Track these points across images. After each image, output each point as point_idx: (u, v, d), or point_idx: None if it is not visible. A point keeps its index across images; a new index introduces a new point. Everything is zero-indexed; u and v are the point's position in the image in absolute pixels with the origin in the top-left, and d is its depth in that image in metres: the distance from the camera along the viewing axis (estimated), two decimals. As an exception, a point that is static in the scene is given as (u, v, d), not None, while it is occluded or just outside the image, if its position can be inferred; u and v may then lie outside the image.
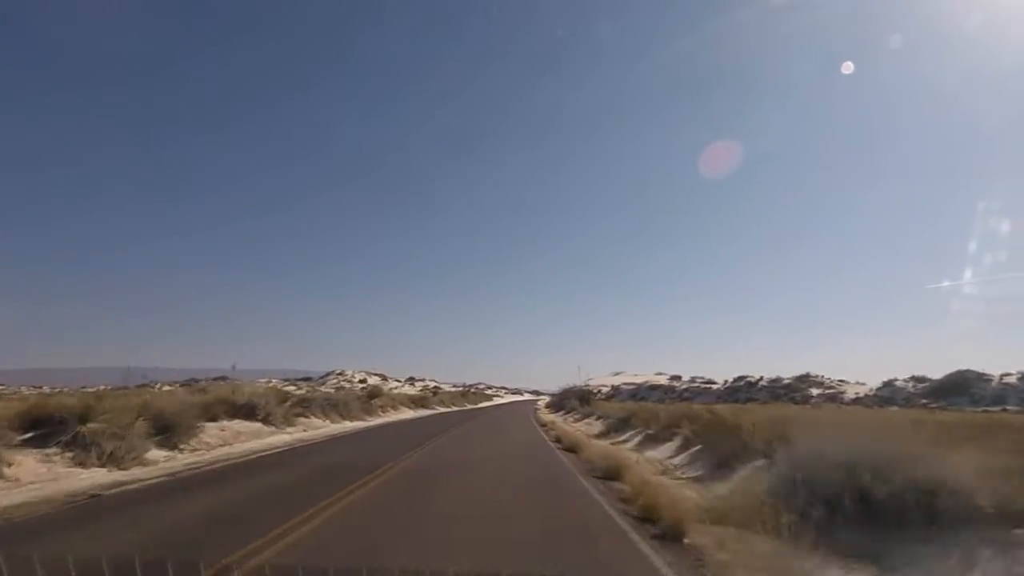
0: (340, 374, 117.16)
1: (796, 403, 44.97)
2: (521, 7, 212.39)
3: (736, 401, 47.79)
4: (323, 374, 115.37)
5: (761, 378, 51.38)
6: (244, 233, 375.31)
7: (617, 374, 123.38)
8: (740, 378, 53.60)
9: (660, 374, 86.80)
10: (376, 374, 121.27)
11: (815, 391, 47.92)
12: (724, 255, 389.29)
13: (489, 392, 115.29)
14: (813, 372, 50.92)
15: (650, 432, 15.64)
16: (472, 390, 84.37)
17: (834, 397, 45.05)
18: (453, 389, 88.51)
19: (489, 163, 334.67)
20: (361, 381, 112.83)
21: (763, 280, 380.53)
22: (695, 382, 57.45)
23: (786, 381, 50.23)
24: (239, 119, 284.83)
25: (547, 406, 56.31)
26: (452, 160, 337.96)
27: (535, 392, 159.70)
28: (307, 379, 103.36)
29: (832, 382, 49.43)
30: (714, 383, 57.24)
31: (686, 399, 51.16)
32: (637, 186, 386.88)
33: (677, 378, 73.34)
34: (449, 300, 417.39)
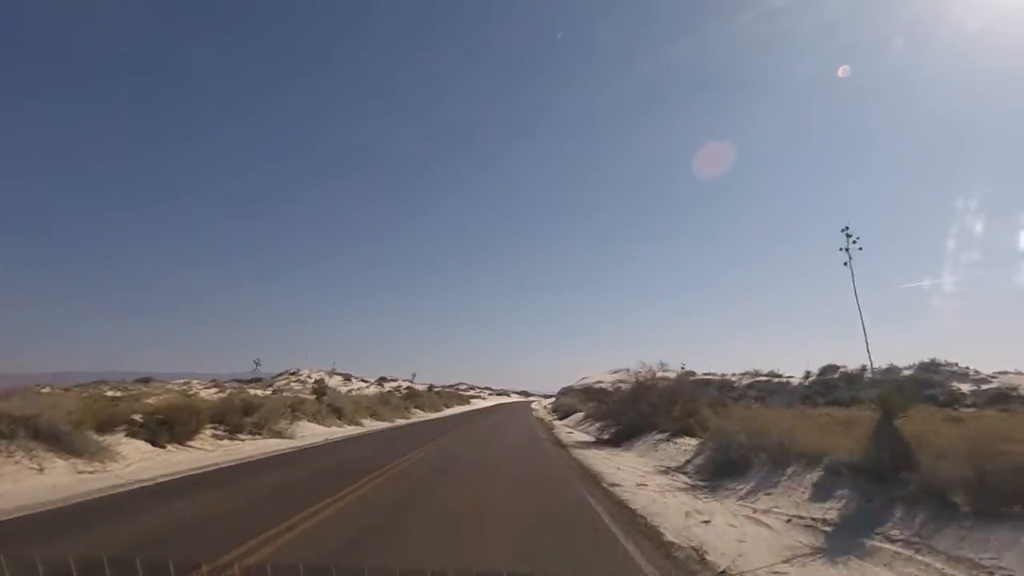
0: (293, 374, 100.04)
1: (940, 404, 28.34)
2: (519, 6, 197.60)
3: (836, 402, 31.05)
4: (274, 375, 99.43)
5: (864, 368, 35.01)
6: (225, 234, 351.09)
7: (616, 371, 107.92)
8: (830, 368, 37.05)
9: (666, 370, 71.12)
10: (339, 374, 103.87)
11: (962, 386, 31.33)
12: (709, 253, 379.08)
13: (469, 394, 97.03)
14: (941, 359, 34.48)
15: None
16: (436, 390, 64.73)
17: (1005, 396, 28.39)
18: (422, 389, 70.28)
19: (478, 160, 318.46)
20: (317, 382, 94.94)
21: (756, 274, 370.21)
22: (759, 376, 40.95)
23: (905, 372, 33.63)
24: (215, 122, 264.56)
25: (553, 411, 41.12)
26: (438, 157, 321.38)
27: (523, 393, 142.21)
28: (257, 380, 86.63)
29: (983, 373, 32.96)
30: (780, 376, 40.62)
31: (758, 398, 34.30)
32: (623, 186, 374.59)
33: (691, 373, 58.21)
34: (435, 300, 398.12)
